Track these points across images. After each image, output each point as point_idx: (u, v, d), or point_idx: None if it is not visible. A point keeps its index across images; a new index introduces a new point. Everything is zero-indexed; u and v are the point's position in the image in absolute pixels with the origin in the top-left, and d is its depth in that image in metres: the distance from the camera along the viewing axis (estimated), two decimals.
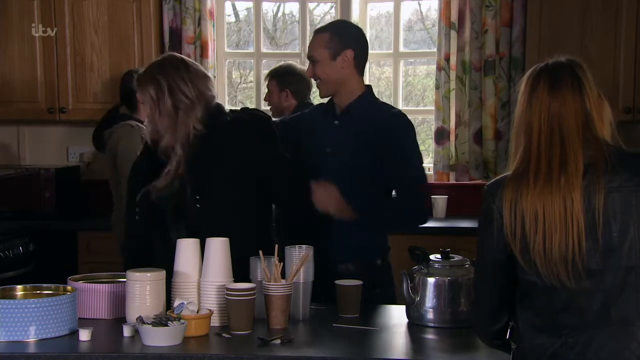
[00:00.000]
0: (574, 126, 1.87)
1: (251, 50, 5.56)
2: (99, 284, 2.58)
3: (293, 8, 5.81)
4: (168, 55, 2.88)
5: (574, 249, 1.82)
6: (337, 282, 2.64)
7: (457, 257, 2.56)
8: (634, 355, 1.82)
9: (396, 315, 2.61)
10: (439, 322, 2.48)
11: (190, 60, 2.84)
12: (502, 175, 1.97)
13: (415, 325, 2.51)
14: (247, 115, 2.84)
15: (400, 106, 5.11)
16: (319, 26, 3.11)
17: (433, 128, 5.01)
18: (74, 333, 2.36)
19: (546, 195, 1.84)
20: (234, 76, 6.08)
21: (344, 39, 2.96)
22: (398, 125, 2.96)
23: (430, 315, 2.49)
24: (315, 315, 2.61)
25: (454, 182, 4.87)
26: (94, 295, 2.55)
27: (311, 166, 2.98)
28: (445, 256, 2.56)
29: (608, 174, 1.84)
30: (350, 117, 2.98)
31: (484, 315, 2.04)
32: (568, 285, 1.84)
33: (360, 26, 5.31)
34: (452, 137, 4.92)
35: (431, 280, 2.49)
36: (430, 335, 2.45)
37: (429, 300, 2.49)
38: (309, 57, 3.01)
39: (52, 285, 2.50)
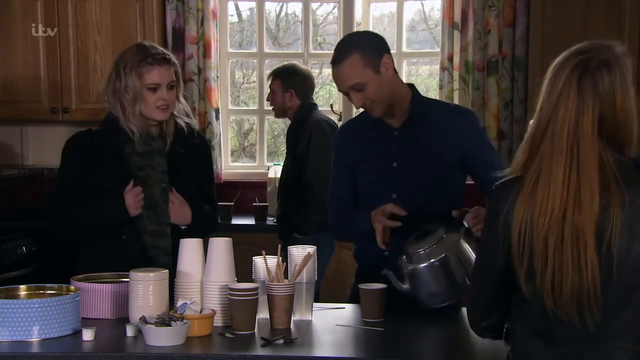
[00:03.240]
0: (591, 158, 1.78)
1: (254, 50, 5.56)
2: (102, 284, 2.58)
3: (296, 8, 5.81)
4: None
5: (589, 294, 1.76)
6: (361, 285, 2.61)
7: (430, 235, 2.50)
8: None
9: (398, 315, 2.61)
10: (444, 300, 2.49)
11: None
12: (513, 177, 1.89)
13: (418, 320, 2.50)
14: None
15: None
16: (334, 53, 2.68)
17: None
18: (77, 333, 2.36)
19: (558, 232, 1.77)
20: (236, 76, 6.08)
21: (374, 47, 2.67)
22: (470, 124, 2.76)
23: (435, 299, 2.49)
24: (318, 315, 2.61)
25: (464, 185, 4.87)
26: (97, 295, 2.55)
27: (377, 182, 2.75)
28: (420, 237, 2.52)
29: (622, 197, 1.77)
30: (415, 124, 2.73)
31: (476, 308, 2.01)
32: (577, 324, 1.80)
33: (363, 26, 5.38)
34: None
35: (419, 269, 2.47)
36: (431, 329, 2.45)
37: (426, 288, 2.48)
38: (352, 88, 2.64)
39: (55, 285, 2.51)
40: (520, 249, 1.82)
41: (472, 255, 2.46)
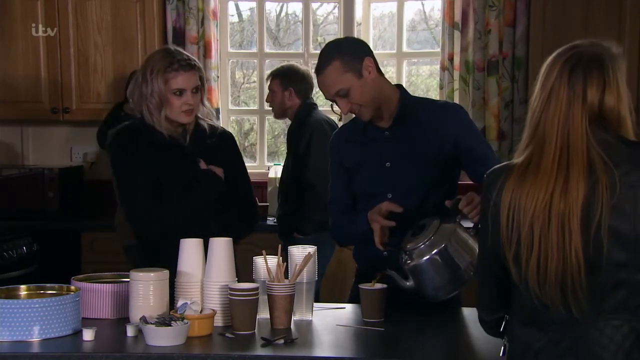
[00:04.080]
0: (580, 146, 1.80)
1: (254, 50, 5.56)
2: (102, 284, 2.58)
3: (296, 8, 5.81)
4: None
5: (573, 279, 1.77)
6: (361, 285, 2.61)
7: (426, 228, 2.49)
8: (622, 350, 1.80)
9: (398, 315, 2.61)
10: (451, 291, 2.48)
11: None
12: (503, 164, 1.92)
13: (418, 320, 2.50)
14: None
15: None
16: (317, 63, 2.71)
17: None
18: (78, 333, 2.36)
19: (544, 217, 1.79)
20: (237, 76, 6.08)
21: (353, 52, 2.68)
22: (460, 118, 2.74)
23: (441, 292, 2.48)
24: (318, 315, 2.61)
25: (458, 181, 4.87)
26: (97, 295, 2.55)
27: (372, 183, 2.75)
28: (416, 233, 2.50)
29: (610, 176, 1.78)
30: (404, 123, 2.73)
31: (481, 301, 2.02)
32: (562, 309, 1.81)
33: (363, 26, 5.39)
34: None
35: (421, 264, 2.46)
36: (431, 329, 2.46)
37: (431, 281, 2.47)
38: (337, 94, 2.67)
39: (56, 285, 2.51)
40: (508, 234, 1.84)
41: (471, 241, 2.46)
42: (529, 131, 1.89)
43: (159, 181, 2.89)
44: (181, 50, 2.98)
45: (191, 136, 2.97)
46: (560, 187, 1.79)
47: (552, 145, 1.82)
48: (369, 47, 2.77)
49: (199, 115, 3.00)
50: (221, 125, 3.19)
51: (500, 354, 1.98)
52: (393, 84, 2.82)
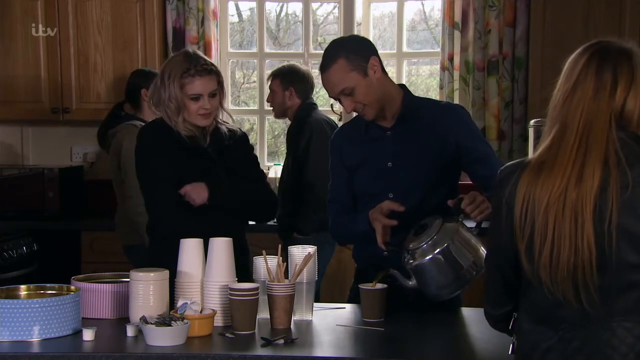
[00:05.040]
0: (600, 137, 1.79)
1: (254, 50, 5.56)
2: (102, 284, 2.58)
3: (296, 8, 5.81)
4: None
5: (584, 270, 1.77)
6: (361, 285, 2.61)
7: (429, 228, 2.49)
8: (633, 351, 1.80)
9: (398, 315, 2.61)
10: (453, 290, 2.48)
11: None
12: (517, 160, 1.92)
13: (418, 320, 2.50)
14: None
15: None
16: (322, 61, 2.70)
17: None
18: (78, 333, 2.36)
19: (558, 206, 1.79)
20: (237, 76, 6.08)
21: (359, 51, 2.67)
22: (461, 119, 2.75)
23: (444, 291, 2.48)
24: (318, 315, 2.61)
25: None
26: (97, 295, 2.55)
27: (373, 182, 2.75)
28: (419, 232, 2.50)
29: (623, 176, 1.77)
30: (407, 123, 2.73)
31: (489, 297, 2.02)
32: (574, 303, 1.81)
33: (363, 26, 5.39)
34: None
35: (424, 264, 2.45)
36: (431, 329, 2.45)
37: (433, 281, 2.47)
38: (341, 93, 2.66)
39: (56, 285, 2.51)
40: (522, 226, 1.83)
41: (474, 240, 2.46)
42: (549, 123, 1.87)
43: (180, 179, 2.90)
44: (200, 54, 2.98)
45: (210, 138, 2.98)
46: (576, 175, 1.79)
47: (572, 133, 1.81)
48: (374, 46, 2.76)
49: (219, 119, 3.02)
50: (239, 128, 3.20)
51: (510, 352, 1.98)
52: (398, 83, 2.81)
